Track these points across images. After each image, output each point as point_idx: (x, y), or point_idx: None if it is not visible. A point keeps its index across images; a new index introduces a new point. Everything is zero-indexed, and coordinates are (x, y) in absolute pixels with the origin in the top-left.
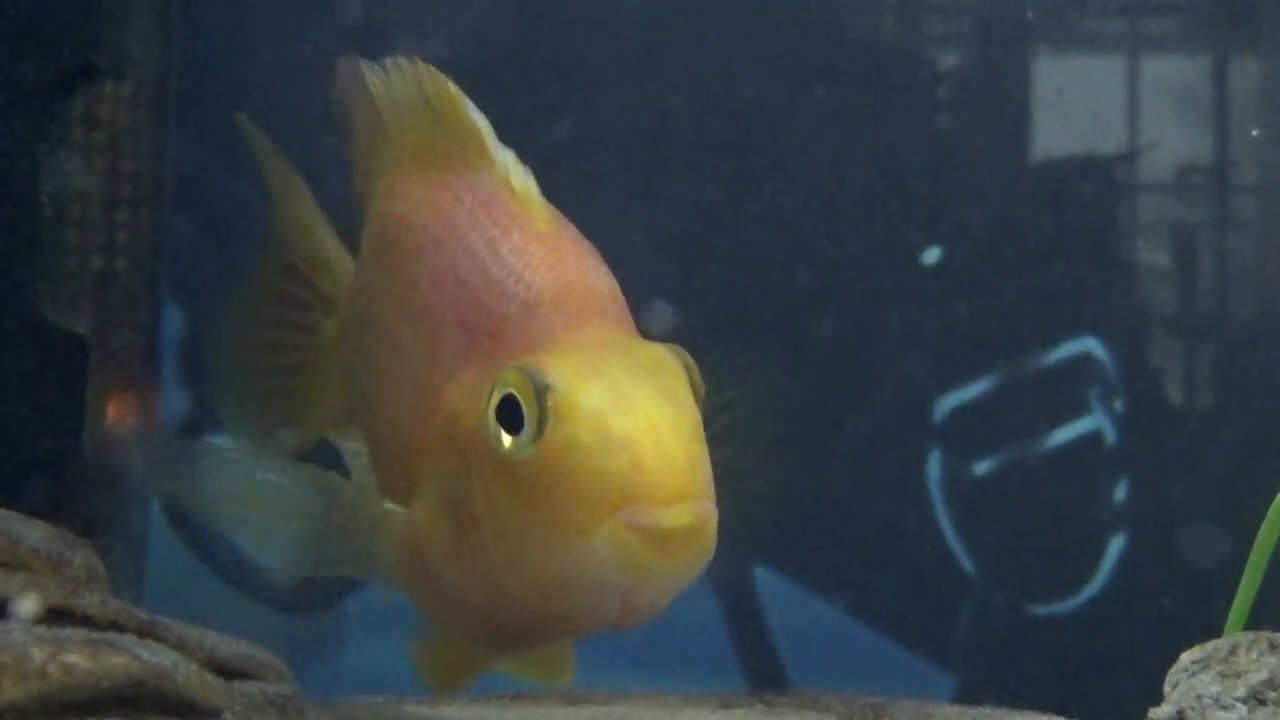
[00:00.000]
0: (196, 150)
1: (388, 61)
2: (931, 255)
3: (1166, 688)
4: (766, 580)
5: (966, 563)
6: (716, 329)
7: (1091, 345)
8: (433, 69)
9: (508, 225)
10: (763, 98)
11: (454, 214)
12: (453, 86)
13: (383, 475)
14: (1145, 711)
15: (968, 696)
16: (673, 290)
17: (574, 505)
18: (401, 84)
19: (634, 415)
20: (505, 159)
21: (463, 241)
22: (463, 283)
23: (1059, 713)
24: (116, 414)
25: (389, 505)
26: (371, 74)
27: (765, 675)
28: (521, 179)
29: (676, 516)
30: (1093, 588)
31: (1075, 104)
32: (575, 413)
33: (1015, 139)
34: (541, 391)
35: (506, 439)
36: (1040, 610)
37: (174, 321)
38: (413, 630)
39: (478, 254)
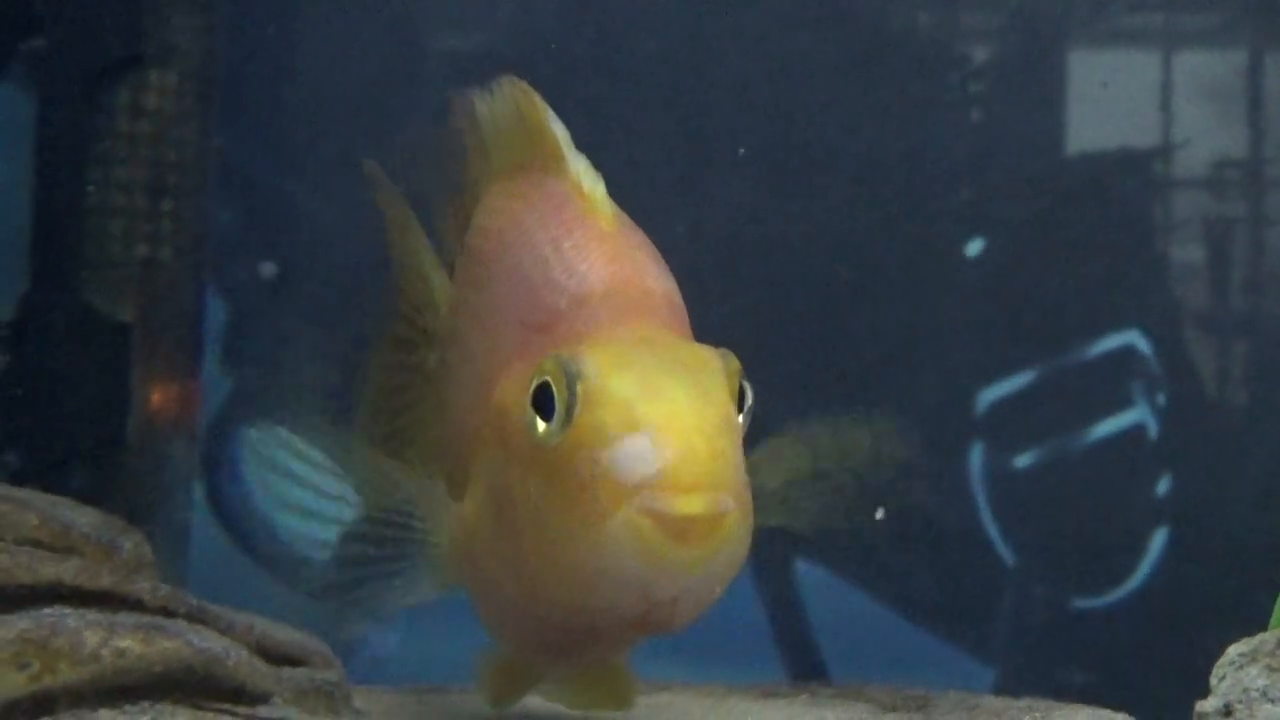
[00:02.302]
0: (240, 140)
1: (493, 84)
2: (974, 248)
3: (1213, 680)
4: (808, 574)
5: (1008, 555)
6: (757, 324)
7: (1134, 338)
8: (527, 86)
9: (572, 226)
10: (804, 91)
11: (525, 218)
12: (539, 99)
13: (449, 475)
14: (1190, 705)
15: (1008, 689)
16: (713, 285)
17: (594, 490)
18: (501, 103)
19: (658, 404)
20: (579, 165)
21: (529, 242)
22: (524, 281)
23: (1101, 707)
24: (160, 402)
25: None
26: (478, 101)
27: (806, 667)
28: (591, 183)
29: (690, 504)
30: (1135, 581)
31: (1117, 97)
32: (602, 399)
33: (1057, 132)
34: (572, 378)
35: (540, 425)
36: (1082, 603)
37: (216, 310)
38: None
39: (540, 253)
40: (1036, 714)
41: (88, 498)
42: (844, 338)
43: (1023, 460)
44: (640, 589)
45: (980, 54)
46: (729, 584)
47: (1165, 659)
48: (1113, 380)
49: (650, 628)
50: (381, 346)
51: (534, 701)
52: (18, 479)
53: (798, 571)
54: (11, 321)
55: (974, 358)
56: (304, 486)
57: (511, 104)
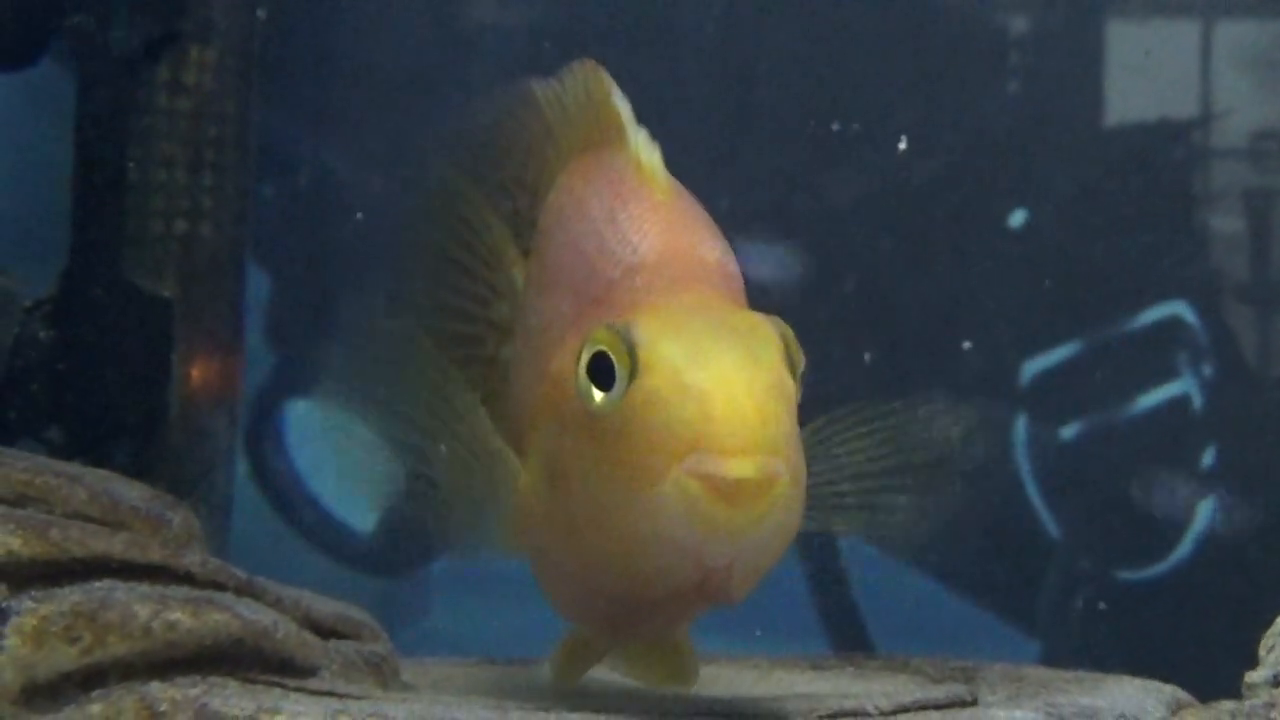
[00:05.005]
0: (281, 116)
1: (566, 68)
2: (1017, 219)
3: (1262, 651)
4: (850, 545)
5: (1052, 528)
6: (800, 297)
7: (1179, 309)
8: (597, 65)
9: (627, 197)
10: (846, 63)
11: (584, 192)
12: (606, 76)
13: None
14: (1238, 676)
15: (1053, 662)
16: (755, 257)
17: (645, 455)
18: (571, 86)
19: (708, 368)
20: (638, 137)
21: (586, 216)
22: (581, 254)
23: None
24: (201, 377)
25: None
26: (543, 90)
27: (850, 639)
28: (648, 154)
29: (740, 467)
30: (1181, 553)
31: (1160, 67)
32: (653, 365)
33: (1100, 102)
34: (631, 346)
35: (597, 395)
36: (1127, 575)
37: (258, 285)
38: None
39: (596, 225)
40: (1085, 684)
41: (130, 473)
42: (887, 310)
43: (1067, 432)
44: (692, 554)
45: (1022, 24)
46: (783, 552)
47: (1212, 631)
48: (1157, 351)
49: (707, 597)
50: (453, 341)
51: (595, 676)
52: (60, 455)
53: (840, 543)
54: (53, 298)
55: (1018, 330)
56: (361, 452)
57: (582, 85)
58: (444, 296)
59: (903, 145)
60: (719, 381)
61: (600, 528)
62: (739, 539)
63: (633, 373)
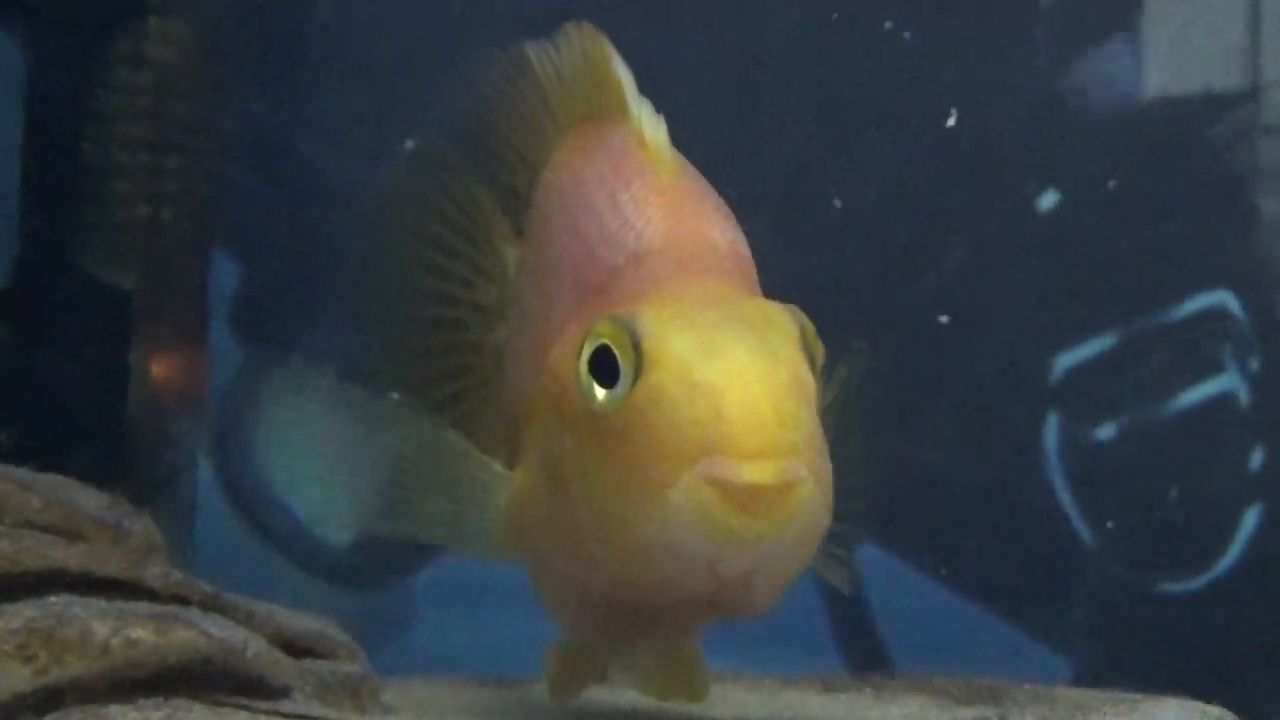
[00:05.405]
0: (252, 95)
1: (560, 32)
2: (1047, 201)
3: None
4: (867, 555)
5: (1087, 535)
6: (811, 286)
7: (1224, 298)
8: (595, 30)
9: (630, 178)
10: (860, 32)
11: (583, 171)
12: (607, 44)
13: (505, 447)
14: None
15: (1087, 681)
16: (764, 244)
17: (654, 459)
18: (568, 51)
19: (722, 364)
20: (641, 111)
21: (585, 197)
22: (580, 238)
23: (1191, 699)
24: (164, 375)
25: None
26: (538, 55)
27: (866, 657)
28: (652, 130)
29: (757, 472)
30: (1226, 562)
31: (1201, 35)
32: (661, 361)
33: (1136, 74)
34: (636, 340)
35: (599, 392)
36: (1168, 587)
37: (225, 274)
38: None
39: (597, 208)
40: (1121, 706)
41: (87, 479)
42: (905, 301)
43: (1103, 431)
44: (705, 564)
45: None
46: (809, 558)
47: (1259, 646)
48: (1201, 344)
49: (723, 607)
50: (435, 328)
51: (596, 696)
52: (11, 460)
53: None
54: (3, 290)
55: (1049, 321)
56: (327, 455)
57: (579, 52)
58: (423, 277)
59: (951, 121)
60: (733, 378)
61: (605, 535)
62: (757, 548)
63: (638, 368)
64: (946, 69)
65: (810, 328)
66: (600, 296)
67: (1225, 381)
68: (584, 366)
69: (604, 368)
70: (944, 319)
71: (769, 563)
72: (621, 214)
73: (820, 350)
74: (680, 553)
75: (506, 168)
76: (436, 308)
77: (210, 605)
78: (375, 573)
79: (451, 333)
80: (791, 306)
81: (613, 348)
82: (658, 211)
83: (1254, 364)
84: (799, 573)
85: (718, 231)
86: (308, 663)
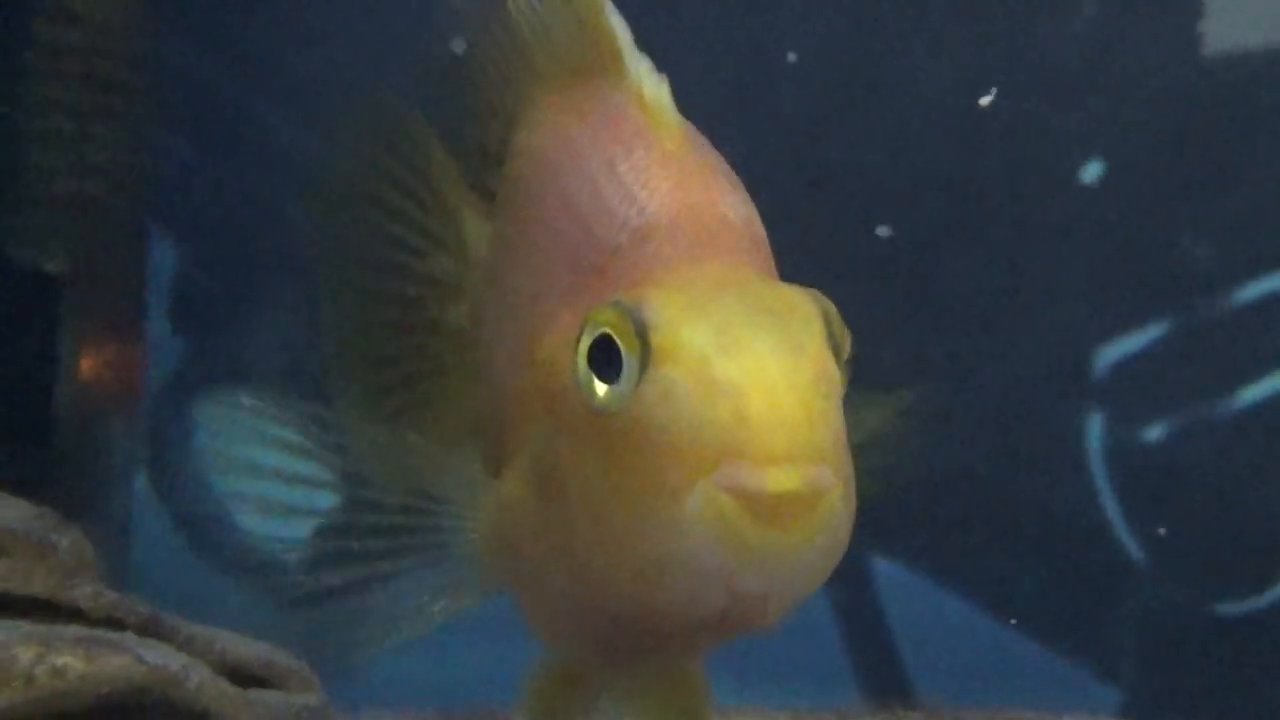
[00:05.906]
0: (195, 55)
1: None
2: (1091, 173)
3: None
4: (887, 573)
5: (1134, 548)
6: (829, 268)
7: None
8: None
9: (631, 143)
10: None
11: (574, 135)
12: None
13: (484, 452)
14: None
15: (1136, 711)
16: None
17: (665, 465)
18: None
19: (742, 359)
20: (639, 67)
21: (578, 165)
22: (574, 212)
23: None
24: (95, 370)
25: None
26: (516, 2)
27: (886, 685)
28: (653, 89)
29: (782, 480)
30: None
31: None
32: (673, 353)
33: (1190, 31)
34: (644, 330)
35: (600, 388)
36: (1225, 606)
37: (164, 256)
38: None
39: (593, 178)
40: None
41: (9, 488)
42: (934, 284)
43: (1152, 433)
44: (721, 582)
45: None
46: (829, 573)
47: None
48: (1260, 335)
49: (734, 626)
50: (383, 304)
51: None
52: None
53: (876, 570)
54: None
55: (1092, 308)
56: (276, 471)
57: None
58: (368, 244)
59: (987, 100)
60: (755, 373)
61: (608, 549)
62: (778, 564)
63: (645, 361)
64: (980, 23)
65: (835, 315)
66: (598, 279)
67: None
68: (582, 359)
69: (605, 360)
70: (971, 307)
71: (791, 579)
72: (622, 185)
73: (847, 339)
74: (695, 570)
75: (477, 124)
76: (384, 280)
77: (147, 629)
78: (331, 591)
79: (402, 310)
80: (814, 291)
81: (615, 338)
82: (663, 183)
83: None
84: (817, 588)
85: (730, 206)
86: (256, 693)
